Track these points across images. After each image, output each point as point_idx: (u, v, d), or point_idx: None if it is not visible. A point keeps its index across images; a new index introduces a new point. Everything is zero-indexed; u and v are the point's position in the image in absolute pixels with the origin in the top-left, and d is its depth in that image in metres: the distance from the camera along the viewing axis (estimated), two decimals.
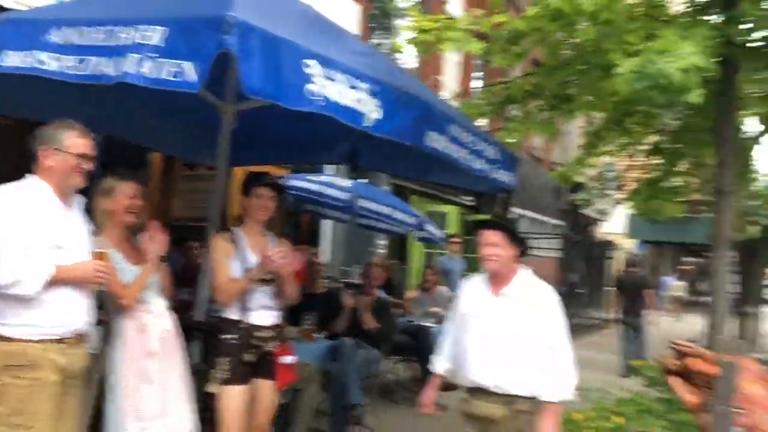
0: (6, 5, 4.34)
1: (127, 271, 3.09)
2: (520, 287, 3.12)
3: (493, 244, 3.10)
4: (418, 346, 6.55)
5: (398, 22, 9.11)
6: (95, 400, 3.03)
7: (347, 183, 7.03)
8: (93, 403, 3.01)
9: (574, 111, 5.36)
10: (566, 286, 14.37)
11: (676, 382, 2.01)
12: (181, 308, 3.87)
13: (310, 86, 2.80)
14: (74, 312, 2.68)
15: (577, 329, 14.69)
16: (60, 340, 2.62)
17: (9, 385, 2.52)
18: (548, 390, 2.98)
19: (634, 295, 10.25)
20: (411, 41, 3.72)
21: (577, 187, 17.77)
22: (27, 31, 2.97)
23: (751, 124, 6.92)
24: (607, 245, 19.03)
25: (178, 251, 6.67)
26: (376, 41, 10.27)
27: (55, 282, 2.57)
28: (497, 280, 3.16)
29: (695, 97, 3.28)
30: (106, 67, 2.72)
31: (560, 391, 2.99)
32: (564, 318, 3.10)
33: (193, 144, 5.63)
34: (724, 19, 4.27)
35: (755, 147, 7.13)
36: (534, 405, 3.02)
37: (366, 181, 8.32)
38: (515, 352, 3.01)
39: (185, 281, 4.83)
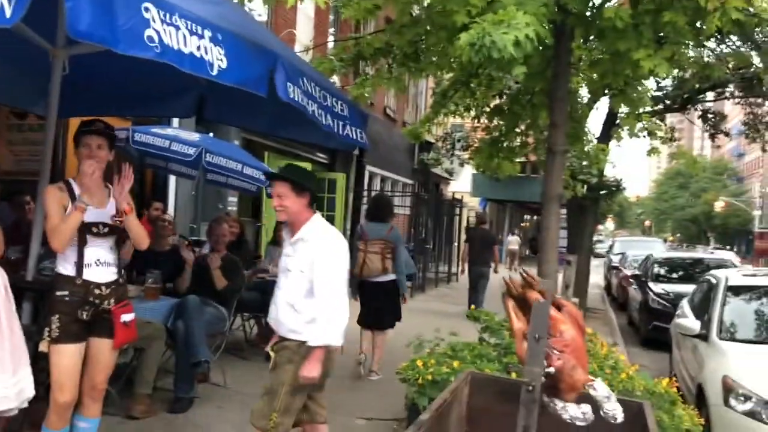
0: None
1: None
2: (307, 234, 3.23)
3: (280, 195, 3.22)
4: (265, 301, 6.52)
5: None
6: None
7: (195, 137, 6.77)
8: None
9: (422, 70, 5.51)
10: (416, 243, 14.91)
11: (510, 304, 2.19)
12: (12, 267, 3.60)
13: (148, 31, 2.65)
14: None
15: (427, 283, 15.39)
16: None
17: None
18: (313, 334, 3.09)
19: (482, 249, 10.98)
20: None
21: (428, 146, 18.37)
22: None
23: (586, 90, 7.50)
24: (456, 203, 19.91)
25: (9, 207, 6.15)
26: None
27: None
28: (292, 228, 3.30)
29: (519, 71, 3.52)
30: None
31: (322, 336, 3.09)
32: (340, 265, 3.20)
33: (23, 91, 5.16)
34: None
35: (589, 111, 7.74)
36: (298, 349, 3.16)
37: (212, 135, 8.06)
38: (293, 298, 3.17)
39: (16, 239, 4.50)
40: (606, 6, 4.29)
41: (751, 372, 4.80)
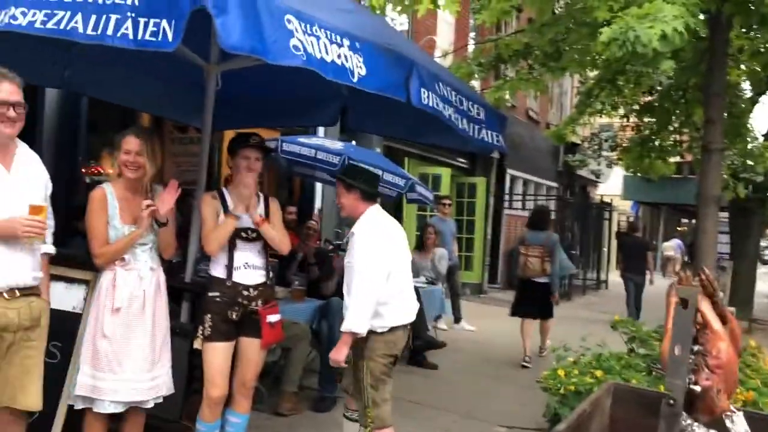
0: None
1: (117, 229, 3.12)
2: (356, 228, 3.45)
3: (338, 194, 3.59)
4: None
5: None
6: None
7: (338, 145, 6.98)
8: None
9: (563, 69, 5.33)
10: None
11: (672, 301, 1.98)
12: (172, 269, 3.90)
13: (292, 41, 2.77)
14: (9, 266, 2.66)
15: (574, 290, 14.83)
16: None
17: None
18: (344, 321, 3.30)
19: (634, 257, 10.79)
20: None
21: (572, 148, 17.72)
22: None
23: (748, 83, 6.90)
24: (604, 206, 19.04)
25: (179, 212, 6.69)
26: None
27: None
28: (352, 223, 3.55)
29: (667, 66, 3.30)
30: (79, 24, 2.67)
31: (346, 323, 3.27)
32: (373, 257, 3.33)
33: (182, 105, 5.59)
34: None
35: (753, 106, 7.12)
36: (362, 342, 3.38)
37: (354, 143, 8.28)
38: (348, 290, 3.41)
39: (179, 243, 4.87)
40: None
41: None
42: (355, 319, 3.26)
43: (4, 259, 2.65)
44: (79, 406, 3.11)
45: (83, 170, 6.70)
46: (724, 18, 4.58)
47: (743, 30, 5.30)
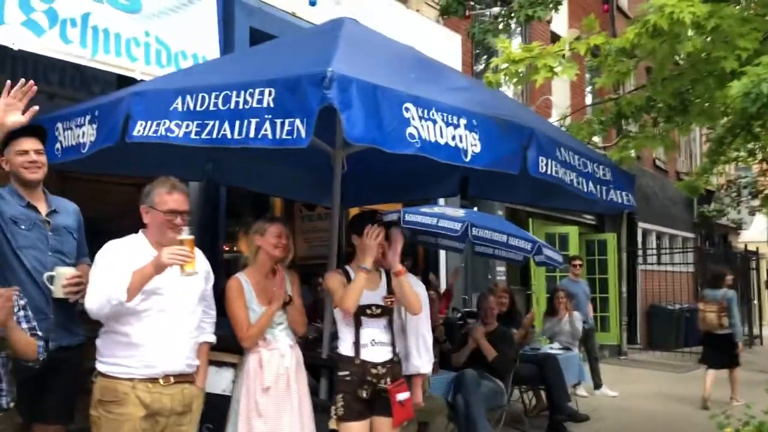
0: (137, 77, 4.78)
1: (255, 312, 3.32)
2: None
3: None
4: (544, 374, 6.42)
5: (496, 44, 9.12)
6: None
7: (460, 213, 7.04)
8: None
9: (691, 123, 5.13)
10: None
11: None
12: (309, 346, 4.06)
13: (409, 129, 2.91)
14: (166, 354, 2.88)
15: None
16: (150, 380, 2.84)
17: (102, 417, 2.84)
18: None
19: None
20: (502, 72, 3.73)
21: (708, 196, 16.75)
22: (153, 101, 3.26)
23: None
24: (750, 255, 17.69)
25: (307, 289, 6.97)
26: (482, 67, 10.33)
27: (135, 283, 2.74)
28: None
29: None
30: (227, 131, 2.94)
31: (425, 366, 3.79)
32: None
33: (310, 187, 5.92)
34: None
35: None
36: None
37: (476, 209, 8.30)
38: None
39: (313, 318, 5.06)
40: None
41: None
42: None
43: (162, 348, 2.88)
44: None
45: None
46: None
47: None
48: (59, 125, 3.92)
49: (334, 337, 4.22)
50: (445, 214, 6.87)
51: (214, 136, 2.99)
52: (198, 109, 3.08)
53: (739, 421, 4.30)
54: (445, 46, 8.44)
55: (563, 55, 3.50)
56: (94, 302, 2.77)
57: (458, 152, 3.07)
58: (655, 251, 15.45)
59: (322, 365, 4.01)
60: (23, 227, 3.07)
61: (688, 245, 17.09)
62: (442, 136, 3.02)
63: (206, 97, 3.07)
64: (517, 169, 3.36)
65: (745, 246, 19.63)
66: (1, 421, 2.67)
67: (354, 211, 7.04)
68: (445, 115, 3.10)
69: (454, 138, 3.06)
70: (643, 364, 12.07)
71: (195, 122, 3.07)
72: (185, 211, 2.99)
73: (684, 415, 7.15)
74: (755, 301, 17.75)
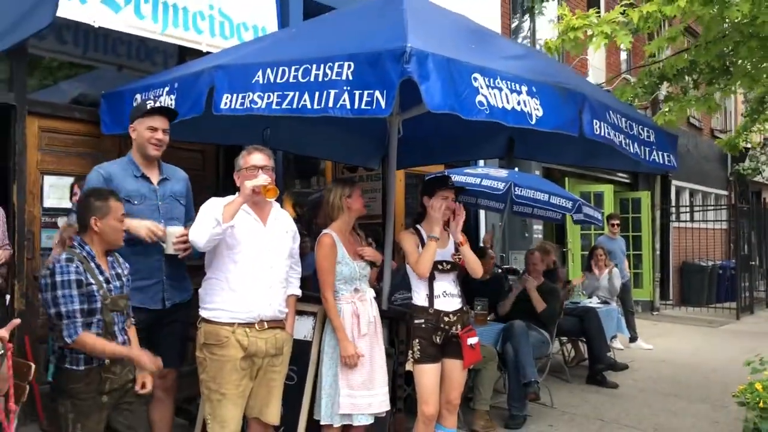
0: (202, 49, 5.06)
1: (349, 265, 3.68)
2: None
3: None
4: (585, 327, 6.72)
5: (542, 10, 9.21)
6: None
7: (503, 173, 7.28)
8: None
9: (733, 85, 5.30)
10: (739, 259, 13.62)
11: None
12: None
13: (479, 97, 3.18)
14: (260, 301, 3.24)
15: (756, 303, 13.90)
16: (247, 325, 3.21)
17: (207, 359, 3.24)
18: None
19: None
20: (561, 38, 3.94)
21: (743, 154, 16.69)
22: (236, 75, 3.54)
23: None
24: None
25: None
26: (516, 24, 10.42)
27: (229, 210, 3.11)
28: None
29: None
30: (306, 101, 3.22)
31: None
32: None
33: (356, 150, 6.21)
34: None
35: None
36: None
37: (517, 169, 8.52)
38: None
39: None
40: None
41: None
42: None
43: (257, 294, 3.24)
44: (338, 423, 3.65)
45: None
46: None
47: None
48: (138, 96, 4.26)
49: (393, 291, 4.59)
50: (489, 174, 7.12)
51: (295, 106, 3.27)
52: (279, 81, 3.36)
53: None
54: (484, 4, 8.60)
55: (618, 23, 3.70)
56: (197, 234, 3.13)
57: (524, 116, 3.32)
58: (688, 209, 15.52)
59: (384, 316, 4.36)
60: (135, 202, 3.42)
61: (722, 203, 17.11)
62: (508, 102, 3.28)
63: (287, 70, 3.34)
64: (577, 131, 3.60)
65: None
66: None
67: (400, 173, 7.35)
68: (508, 82, 3.36)
69: (519, 103, 3.32)
70: (675, 319, 12.32)
71: (276, 93, 3.35)
72: (266, 166, 3.33)
73: (717, 366, 7.42)
74: None
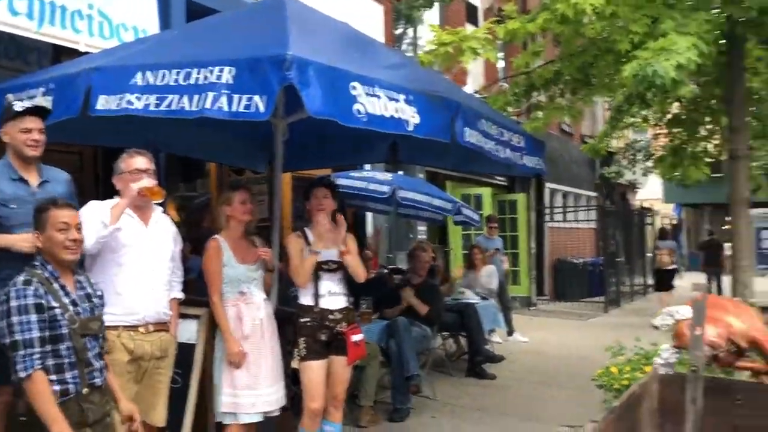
0: (80, 49, 4.92)
1: (236, 268, 3.71)
2: None
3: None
4: (465, 322, 7.06)
5: (421, 18, 9.58)
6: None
7: (388, 176, 7.52)
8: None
9: (593, 95, 5.79)
10: (606, 256, 14.68)
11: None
12: None
13: (357, 105, 3.33)
14: (145, 304, 3.26)
15: (622, 297, 15.02)
16: (132, 328, 3.22)
17: None
18: None
19: (712, 256, 14.83)
20: (432, 53, 4.19)
21: (608, 159, 17.98)
22: (113, 76, 3.50)
23: None
24: (645, 212, 19.19)
25: None
26: (398, 32, 10.74)
27: (114, 212, 3.15)
28: None
29: (686, 92, 3.75)
30: (185, 103, 3.25)
31: None
32: None
33: (245, 153, 6.21)
34: (723, 1, 4.63)
35: None
36: None
37: (402, 173, 8.81)
38: None
39: None
40: None
41: None
42: None
43: (141, 297, 3.24)
44: (226, 421, 3.69)
45: None
46: (739, 36, 4.99)
47: (760, 42, 5.67)
48: (10, 96, 4.09)
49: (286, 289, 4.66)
50: (375, 177, 7.34)
51: (173, 108, 3.30)
52: (158, 83, 3.36)
53: (631, 352, 5.03)
54: (367, 12, 8.81)
55: (485, 39, 3.98)
56: (84, 237, 3.01)
57: (402, 123, 3.51)
58: (561, 209, 16.53)
59: (287, 317, 4.42)
60: (13, 206, 3.28)
61: (591, 203, 18.34)
62: (386, 110, 3.45)
63: (167, 73, 3.36)
64: (449, 138, 3.83)
65: (641, 203, 21.23)
66: None
67: (287, 176, 7.41)
68: (387, 91, 3.54)
69: (397, 111, 3.50)
70: (550, 314, 13.10)
71: (155, 96, 3.36)
72: (149, 170, 3.34)
73: (586, 355, 7.97)
74: (649, 254, 19.28)
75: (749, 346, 2.72)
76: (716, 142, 7.46)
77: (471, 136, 4.21)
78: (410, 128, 3.62)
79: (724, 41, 4.96)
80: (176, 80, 3.32)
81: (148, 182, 3.24)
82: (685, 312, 3.02)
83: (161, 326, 3.35)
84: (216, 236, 3.79)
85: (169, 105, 3.29)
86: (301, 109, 3.80)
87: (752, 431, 2.71)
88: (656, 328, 2.64)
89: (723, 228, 35.75)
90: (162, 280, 3.37)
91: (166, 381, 3.44)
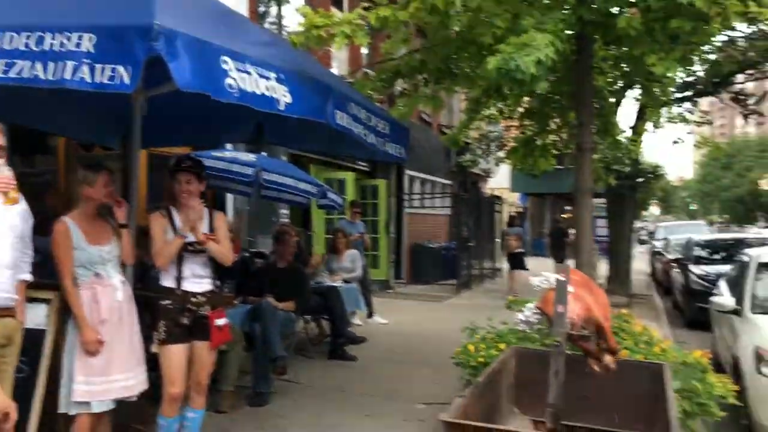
0: None
1: (84, 251, 3.47)
2: None
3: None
4: (328, 305, 7.11)
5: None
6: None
7: (251, 158, 7.37)
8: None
9: (456, 85, 6.00)
10: (459, 241, 15.36)
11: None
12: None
13: (228, 80, 3.24)
14: None
15: (473, 280, 15.81)
16: None
17: None
18: None
19: (558, 241, 15.90)
20: (303, 36, 4.15)
21: (464, 148, 18.78)
22: None
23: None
24: (495, 200, 20.26)
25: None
26: (263, 9, 10.52)
27: None
28: None
29: (542, 87, 4.00)
30: (39, 71, 3.00)
31: None
32: None
33: (95, 127, 5.82)
34: (575, 3, 4.97)
35: (616, 107, 8.10)
36: None
37: (265, 154, 8.67)
38: None
39: None
40: (620, 16, 4.70)
41: None
42: None
43: None
44: (73, 412, 3.44)
45: None
46: (588, 36, 5.38)
47: (605, 44, 6.15)
48: None
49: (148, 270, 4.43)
50: (238, 158, 7.17)
51: (24, 75, 3.04)
52: (6, 47, 3.09)
53: (484, 331, 5.32)
54: None
55: (357, 24, 4.01)
56: None
57: (273, 102, 3.46)
58: (419, 196, 17.06)
59: (146, 301, 4.21)
60: None
61: (446, 191, 19.07)
62: (257, 87, 3.39)
63: (15, 36, 3.09)
64: (324, 119, 3.83)
65: (491, 191, 22.41)
66: None
67: (143, 153, 7.03)
68: (257, 68, 3.46)
69: (268, 89, 3.44)
70: (407, 296, 13.51)
71: (3, 61, 3.08)
72: (2, 147, 3.05)
73: (441, 335, 8.31)
74: (498, 239, 20.40)
75: (595, 330, 2.98)
76: (564, 135, 7.99)
77: (342, 119, 4.24)
78: (281, 107, 3.58)
79: (575, 41, 5.31)
80: (27, 45, 3.06)
81: (7, 180, 2.97)
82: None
83: (5, 311, 3.08)
84: (63, 218, 3.53)
85: (20, 72, 3.03)
86: (165, 82, 3.64)
87: (598, 398, 2.98)
88: (537, 287, 2.85)
89: (563, 216, 38.74)
90: (4, 261, 3.08)
91: (11, 370, 3.18)
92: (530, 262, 14.69)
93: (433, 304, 12.51)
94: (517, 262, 13.83)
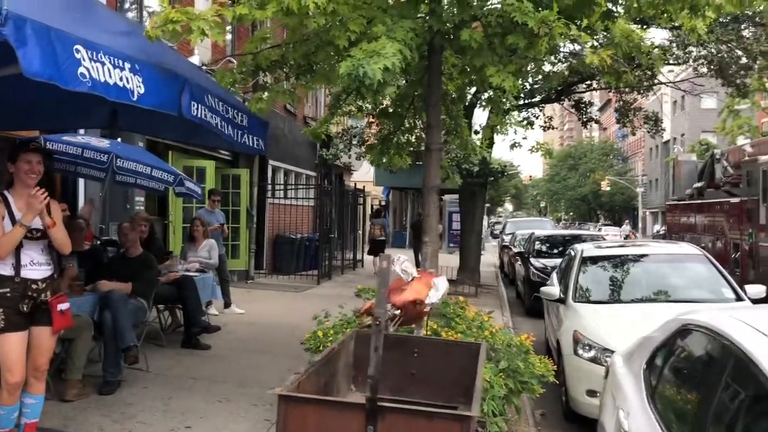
0: None
1: None
2: None
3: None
4: (182, 294, 7.10)
5: None
6: None
7: (104, 143, 7.19)
8: None
9: (314, 82, 6.22)
10: (321, 232, 15.62)
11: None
12: None
13: (81, 69, 3.28)
14: None
15: (333, 270, 16.15)
16: None
17: None
18: None
19: (420, 233, 16.16)
20: (160, 29, 4.19)
21: (328, 141, 19.08)
22: None
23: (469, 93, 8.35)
24: (358, 193, 20.74)
25: None
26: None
27: None
28: None
29: (390, 92, 4.32)
30: None
31: None
32: None
33: None
34: (427, 13, 5.35)
35: (462, 110, 8.66)
36: None
37: (120, 140, 8.45)
38: None
39: None
40: (463, 29, 5.13)
41: (595, 326, 5.86)
42: None
43: None
44: None
45: None
46: (437, 45, 5.79)
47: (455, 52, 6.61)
48: None
49: None
50: (90, 144, 6.97)
51: None
52: None
53: (336, 318, 5.61)
54: None
55: (213, 21, 4.11)
56: None
57: (126, 92, 3.52)
58: (282, 187, 17.13)
59: None
60: None
61: (310, 183, 19.27)
62: (111, 77, 3.44)
63: None
64: (177, 111, 3.92)
65: (355, 184, 22.89)
66: None
67: None
68: (111, 58, 3.52)
69: (122, 79, 3.50)
70: (267, 287, 13.59)
71: None
72: None
73: (298, 324, 8.51)
74: (359, 231, 20.93)
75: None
76: (418, 134, 8.45)
77: (197, 110, 4.35)
78: (134, 98, 3.65)
79: (426, 48, 5.70)
80: None
81: None
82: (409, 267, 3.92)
83: None
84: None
85: None
86: (11, 63, 3.58)
87: (424, 374, 3.34)
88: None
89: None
90: None
91: None
92: (389, 252, 15.22)
93: (292, 294, 12.69)
94: (378, 249, 16.36)
